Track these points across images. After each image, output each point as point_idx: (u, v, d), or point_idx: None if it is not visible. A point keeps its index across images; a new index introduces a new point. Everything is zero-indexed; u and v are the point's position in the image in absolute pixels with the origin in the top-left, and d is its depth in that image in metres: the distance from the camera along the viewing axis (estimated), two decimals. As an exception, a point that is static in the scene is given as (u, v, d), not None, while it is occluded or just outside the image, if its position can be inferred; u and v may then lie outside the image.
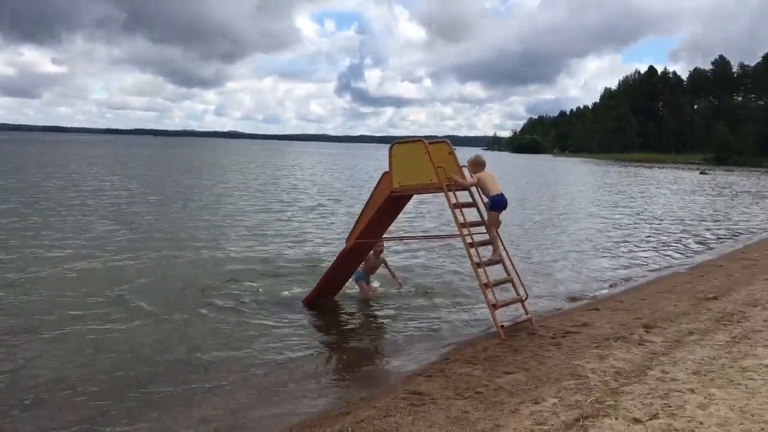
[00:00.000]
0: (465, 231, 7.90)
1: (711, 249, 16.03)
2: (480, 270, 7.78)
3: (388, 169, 8.38)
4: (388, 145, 8.44)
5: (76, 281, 10.25)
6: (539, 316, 8.78)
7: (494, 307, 7.72)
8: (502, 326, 7.70)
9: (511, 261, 8.40)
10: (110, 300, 9.23)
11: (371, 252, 9.76)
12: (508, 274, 8.27)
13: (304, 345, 7.67)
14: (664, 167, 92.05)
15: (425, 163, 8.04)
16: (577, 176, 56.91)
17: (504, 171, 55.56)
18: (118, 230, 15.29)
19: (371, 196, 8.73)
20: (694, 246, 16.51)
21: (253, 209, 21.15)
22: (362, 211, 8.87)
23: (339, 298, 9.78)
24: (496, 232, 8.34)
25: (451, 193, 8.01)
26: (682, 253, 15.23)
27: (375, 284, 10.30)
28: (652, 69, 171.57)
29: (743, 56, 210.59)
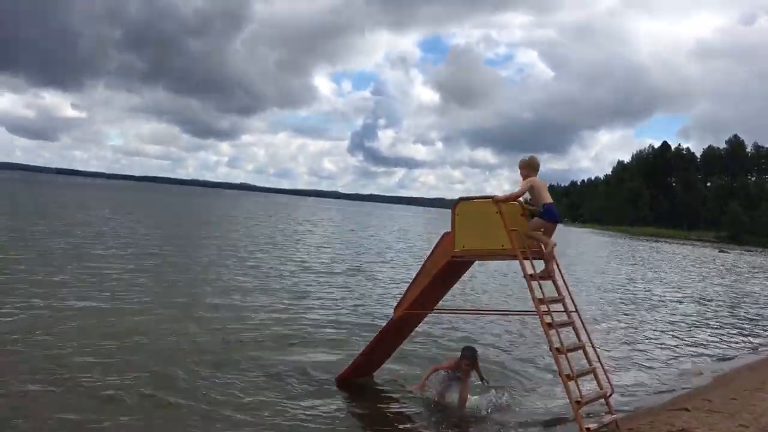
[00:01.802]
0: (543, 308, 6.59)
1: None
2: (561, 358, 6.42)
3: (449, 230, 7.16)
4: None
5: (84, 337, 8.94)
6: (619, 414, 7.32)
7: (578, 404, 6.32)
8: (588, 429, 6.28)
9: (594, 347, 7.03)
10: (120, 361, 7.95)
11: (456, 362, 7.56)
12: (591, 363, 6.90)
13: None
14: (680, 243, 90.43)
15: (496, 225, 6.78)
16: (603, 249, 55.04)
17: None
18: (138, 284, 13.81)
19: (427, 259, 7.45)
20: (758, 331, 15.01)
21: (286, 268, 19.35)
22: (415, 277, 7.57)
23: (378, 379, 8.35)
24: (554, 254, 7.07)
25: (527, 262, 6.74)
26: (747, 338, 13.77)
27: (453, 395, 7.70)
28: (665, 144, 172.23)
29: (756, 137, 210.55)
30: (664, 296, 21.14)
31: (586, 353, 6.92)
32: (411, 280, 7.72)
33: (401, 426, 6.90)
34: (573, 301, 7.10)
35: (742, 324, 16.15)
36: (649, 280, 27.04)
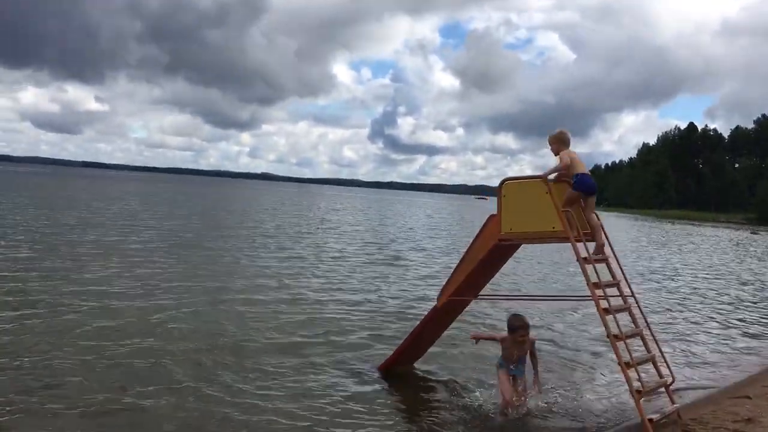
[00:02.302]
0: (599, 292, 6.22)
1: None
2: (619, 344, 6.05)
3: (495, 212, 6.80)
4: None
5: (99, 332, 8.74)
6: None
7: (639, 394, 5.95)
8: (650, 420, 5.91)
9: (651, 332, 6.65)
10: (145, 364, 7.69)
11: (507, 337, 6.71)
12: (649, 351, 6.52)
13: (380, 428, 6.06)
14: (711, 226, 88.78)
15: (546, 206, 6.40)
16: (634, 233, 53.71)
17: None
18: (181, 277, 13.51)
19: (472, 243, 7.09)
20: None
21: (323, 257, 19.04)
22: (460, 262, 7.22)
23: (421, 367, 8.05)
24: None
25: (580, 245, 6.36)
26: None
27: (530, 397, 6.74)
28: (692, 125, 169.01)
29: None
30: (712, 282, 20.51)
31: (644, 340, 6.55)
32: (454, 267, 7.41)
33: (443, 417, 6.57)
34: (629, 285, 6.73)
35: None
36: (693, 265, 26.26)
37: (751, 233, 66.62)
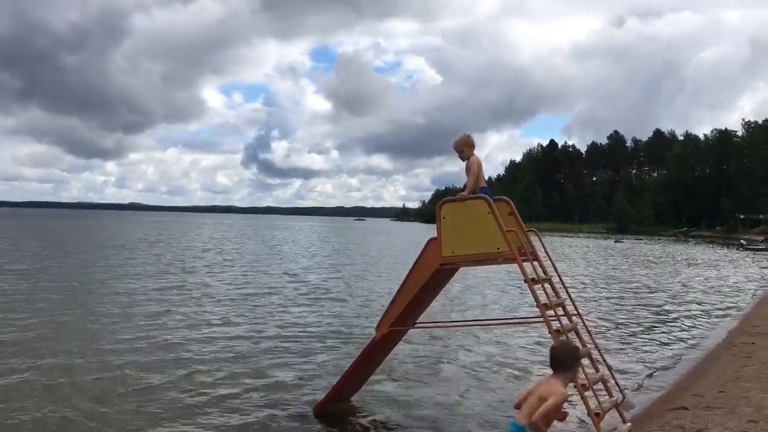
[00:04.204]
0: (550, 313, 6.01)
1: (712, 324, 14.66)
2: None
3: (435, 236, 6.46)
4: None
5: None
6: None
7: (598, 417, 5.76)
8: (611, 443, 5.74)
9: (599, 352, 6.53)
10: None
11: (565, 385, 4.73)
12: (597, 370, 6.38)
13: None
14: (579, 237, 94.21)
15: (489, 226, 6.16)
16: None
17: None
18: (78, 317, 12.52)
19: (411, 270, 6.72)
20: (685, 322, 15.09)
21: (242, 293, 17.73)
22: (398, 290, 6.81)
23: (359, 402, 7.53)
24: None
25: (527, 264, 6.15)
26: (685, 328, 13.97)
27: None
28: (553, 143, 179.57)
29: (632, 131, 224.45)
30: (615, 290, 21.45)
31: (591, 359, 6.41)
32: (390, 295, 7.00)
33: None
34: (573, 302, 6.59)
35: (675, 313, 16.38)
36: (588, 275, 27.40)
37: (615, 242, 71.19)
